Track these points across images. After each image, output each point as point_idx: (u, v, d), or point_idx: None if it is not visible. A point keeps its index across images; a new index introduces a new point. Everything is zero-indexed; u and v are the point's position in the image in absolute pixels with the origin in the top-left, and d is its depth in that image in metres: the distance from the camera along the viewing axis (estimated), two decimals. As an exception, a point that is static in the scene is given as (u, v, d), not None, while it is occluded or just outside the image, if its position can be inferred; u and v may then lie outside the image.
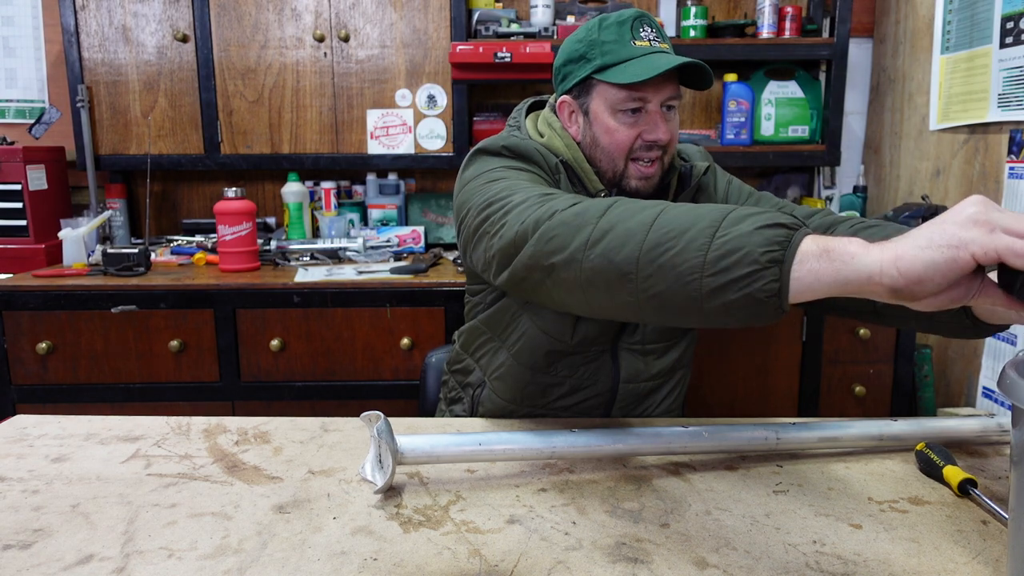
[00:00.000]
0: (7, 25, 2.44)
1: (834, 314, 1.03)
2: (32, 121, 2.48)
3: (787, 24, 2.28)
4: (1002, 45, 1.76)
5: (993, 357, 1.84)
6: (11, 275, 2.05)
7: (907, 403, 2.00)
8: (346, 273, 2.03)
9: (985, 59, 1.83)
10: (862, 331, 1.95)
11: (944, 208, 1.92)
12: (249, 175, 2.53)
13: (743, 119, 2.33)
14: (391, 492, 0.84)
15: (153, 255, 2.21)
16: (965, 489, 0.83)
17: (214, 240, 2.24)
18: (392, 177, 2.45)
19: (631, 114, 1.07)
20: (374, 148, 2.30)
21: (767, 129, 2.38)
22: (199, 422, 1.05)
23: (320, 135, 2.29)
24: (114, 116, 2.27)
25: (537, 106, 1.24)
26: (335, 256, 2.21)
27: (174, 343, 1.91)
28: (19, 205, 2.19)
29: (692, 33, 2.29)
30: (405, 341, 1.92)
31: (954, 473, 0.85)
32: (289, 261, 2.19)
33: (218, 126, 2.27)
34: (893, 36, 2.35)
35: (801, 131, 2.38)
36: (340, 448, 0.97)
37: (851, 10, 2.24)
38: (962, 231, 0.55)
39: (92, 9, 2.21)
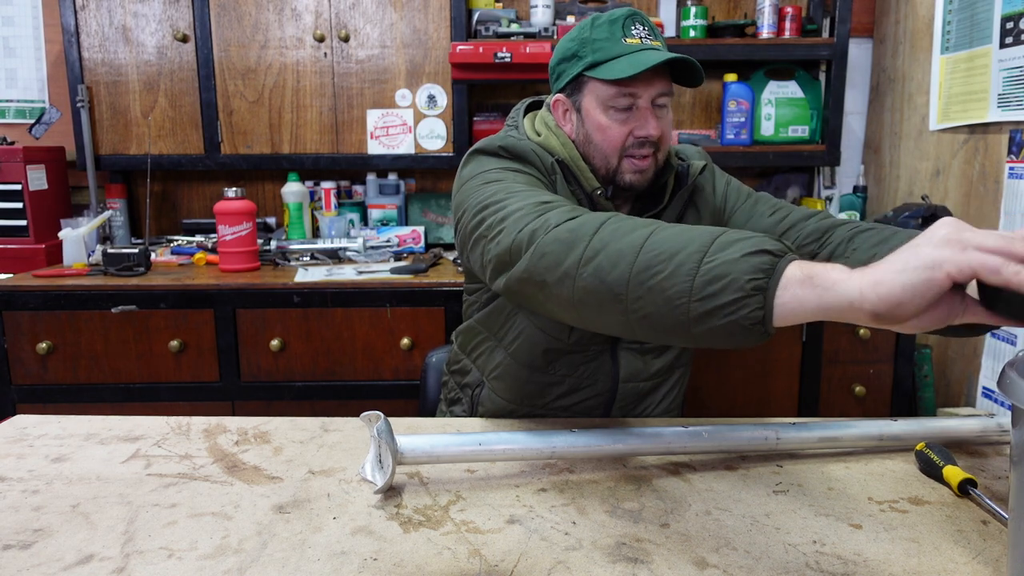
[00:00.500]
0: (7, 25, 2.44)
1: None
2: (32, 121, 2.48)
3: (787, 24, 2.28)
4: (1002, 45, 1.76)
5: (993, 357, 1.84)
6: (11, 275, 2.05)
7: (907, 403, 2.00)
8: (346, 273, 2.03)
9: (985, 59, 1.83)
10: (862, 331, 1.95)
11: (944, 208, 1.92)
12: (249, 175, 2.53)
13: (743, 119, 2.33)
14: (391, 492, 0.84)
15: (153, 255, 2.21)
16: (965, 489, 0.83)
17: (214, 240, 2.24)
18: (392, 177, 2.45)
19: (622, 111, 1.07)
20: (374, 148, 2.30)
21: (767, 129, 2.38)
22: (199, 422, 1.05)
23: (320, 135, 2.29)
24: (114, 116, 2.28)
25: (535, 106, 1.24)
26: (335, 256, 2.21)
27: (174, 343, 1.91)
28: (19, 205, 2.19)
29: (692, 33, 2.29)
30: (405, 341, 1.92)
31: (954, 473, 0.85)
32: (289, 261, 2.19)
33: (218, 126, 2.27)
34: (893, 36, 2.35)
35: (801, 131, 2.38)
36: (340, 448, 0.97)
37: (851, 10, 2.24)
38: (936, 252, 0.56)
39: (92, 9, 2.21)
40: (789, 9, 2.27)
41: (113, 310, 1.90)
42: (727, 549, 0.73)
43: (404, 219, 2.46)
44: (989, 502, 0.80)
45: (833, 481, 0.88)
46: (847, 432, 0.95)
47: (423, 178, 2.57)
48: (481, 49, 2.12)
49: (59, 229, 2.16)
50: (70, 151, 2.36)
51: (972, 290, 0.60)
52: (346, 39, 2.23)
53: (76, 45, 2.22)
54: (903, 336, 1.95)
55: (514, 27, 2.24)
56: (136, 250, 2.03)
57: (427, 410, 1.44)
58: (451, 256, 2.29)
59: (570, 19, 2.30)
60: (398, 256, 2.27)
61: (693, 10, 2.28)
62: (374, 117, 2.28)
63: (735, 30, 2.32)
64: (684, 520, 0.78)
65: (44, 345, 1.90)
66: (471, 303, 1.22)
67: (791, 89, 2.38)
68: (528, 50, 2.12)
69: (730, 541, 0.74)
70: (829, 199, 2.51)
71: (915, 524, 0.78)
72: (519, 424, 1.07)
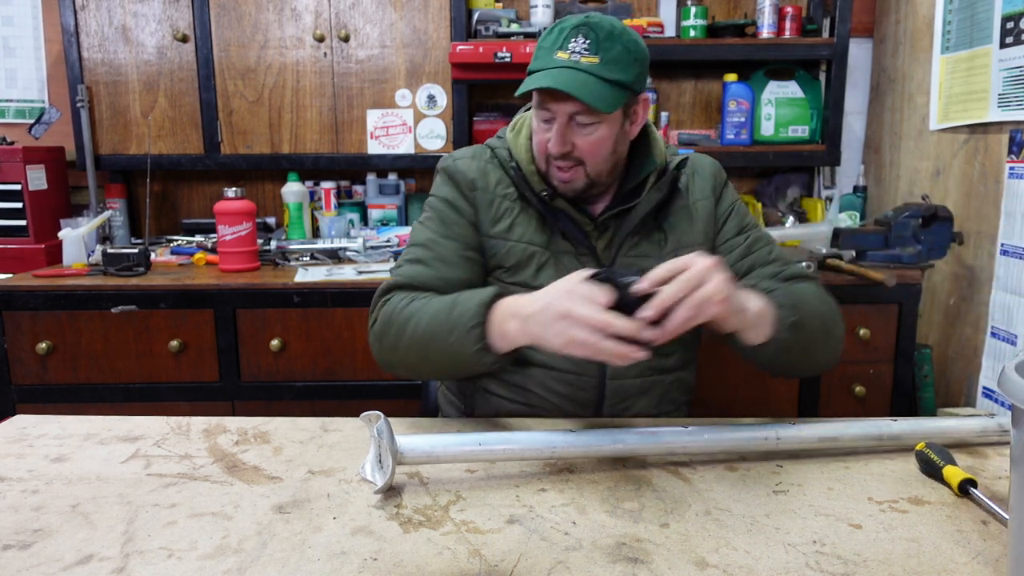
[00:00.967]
0: (7, 25, 2.44)
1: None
2: (32, 121, 2.48)
3: (787, 24, 2.28)
4: (1002, 45, 1.76)
5: (993, 357, 1.84)
6: (11, 275, 2.05)
7: (907, 403, 2.00)
8: (346, 273, 2.03)
9: (985, 59, 1.83)
10: (862, 331, 1.95)
11: (944, 208, 1.91)
12: (249, 175, 2.53)
13: (743, 119, 2.32)
14: (391, 492, 0.84)
15: (153, 255, 2.21)
16: (965, 489, 0.83)
17: (214, 240, 2.24)
18: (392, 177, 2.45)
19: (544, 122, 1.10)
20: (374, 148, 2.30)
21: (767, 129, 2.38)
22: (199, 422, 1.05)
23: (320, 135, 2.29)
24: (114, 116, 2.27)
25: None
26: (335, 256, 2.21)
27: (174, 343, 1.91)
28: (19, 205, 2.19)
29: (692, 33, 2.29)
30: (405, 341, 1.92)
31: (954, 473, 0.85)
32: (289, 261, 2.19)
33: (218, 126, 2.27)
34: (893, 36, 2.35)
35: (801, 131, 2.38)
36: (340, 448, 0.97)
37: (851, 10, 2.24)
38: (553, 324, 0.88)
39: (92, 9, 2.21)
40: (789, 9, 2.27)
41: (113, 310, 1.90)
42: (727, 549, 0.73)
43: (404, 219, 2.46)
44: (989, 502, 0.80)
45: (833, 481, 0.88)
46: (847, 432, 0.95)
47: (423, 178, 2.57)
48: (481, 49, 2.12)
49: (59, 229, 2.16)
50: (70, 151, 2.36)
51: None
52: (346, 39, 2.22)
53: (76, 45, 2.22)
54: (903, 336, 1.95)
55: (514, 27, 2.24)
56: (136, 250, 2.03)
57: (427, 410, 1.45)
58: (451, 256, 2.29)
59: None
60: (398, 256, 2.27)
61: (693, 10, 2.27)
62: (374, 117, 2.28)
63: (735, 30, 2.32)
64: (684, 520, 0.78)
65: (44, 345, 1.90)
66: None
67: (791, 89, 2.38)
68: (528, 50, 2.12)
69: (730, 541, 0.74)
70: (829, 199, 2.51)
71: (915, 524, 0.78)
72: (519, 424, 1.07)
